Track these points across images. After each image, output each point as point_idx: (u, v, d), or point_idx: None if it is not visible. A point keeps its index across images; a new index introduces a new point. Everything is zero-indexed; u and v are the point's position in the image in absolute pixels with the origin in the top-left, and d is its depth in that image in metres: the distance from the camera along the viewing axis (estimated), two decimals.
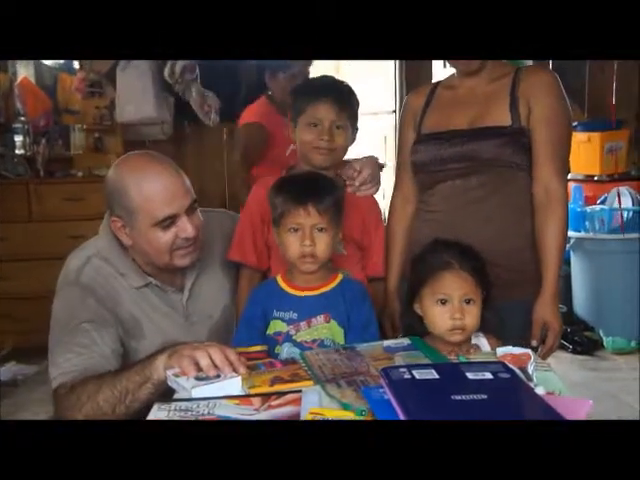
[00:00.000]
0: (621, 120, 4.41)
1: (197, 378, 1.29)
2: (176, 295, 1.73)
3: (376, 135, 4.62)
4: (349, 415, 1.15)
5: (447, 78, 1.96)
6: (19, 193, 4.06)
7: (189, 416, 1.17)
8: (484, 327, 1.55)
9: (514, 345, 1.44)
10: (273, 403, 1.21)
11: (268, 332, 1.62)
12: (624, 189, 4.08)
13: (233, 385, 1.29)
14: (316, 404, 1.21)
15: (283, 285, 1.66)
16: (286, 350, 1.58)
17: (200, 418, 1.16)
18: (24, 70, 4.37)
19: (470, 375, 1.19)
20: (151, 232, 1.58)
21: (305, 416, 1.14)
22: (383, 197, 1.98)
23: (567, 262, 4.17)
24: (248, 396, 1.25)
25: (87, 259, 1.65)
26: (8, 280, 3.98)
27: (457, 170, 1.77)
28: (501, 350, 1.43)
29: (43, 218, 4.08)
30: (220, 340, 1.48)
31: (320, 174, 1.72)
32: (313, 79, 1.96)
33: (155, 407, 1.22)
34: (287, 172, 1.92)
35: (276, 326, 1.62)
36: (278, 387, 1.29)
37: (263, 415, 1.17)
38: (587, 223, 4.10)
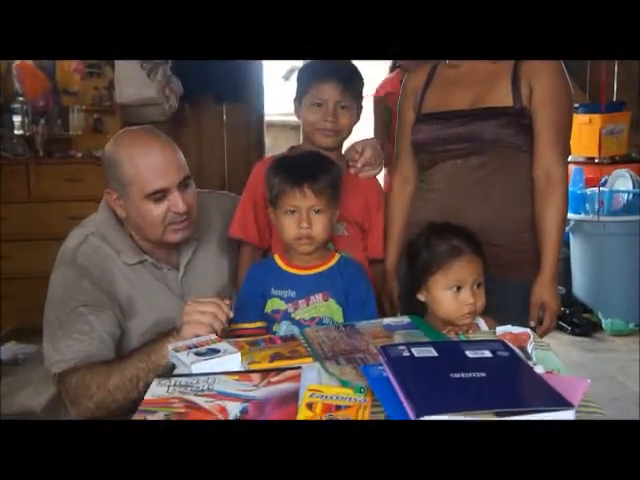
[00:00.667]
0: (622, 102, 4.39)
1: (197, 354, 1.30)
2: (171, 273, 1.74)
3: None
4: (348, 392, 1.15)
5: None
6: (18, 173, 4.05)
7: (189, 392, 1.17)
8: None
9: (513, 325, 1.45)
10: (272, 379, 1.22)
11: (266, 310, 1.63)
12: (624, 171, 4.07)
13: (233, 361, 1.29)
14: (315, 381, 1.22)
15: (281, 264, 1.67)
16: (284, 328, 1.59)
17: (199, 394, 1.17)
18: None
19: (469, 353, 1.19)
20: (143, 204, 1.60)
21: (304, 393, 1.15)
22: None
23: (566, 244, 4.17)
24: (248, 372, 1.26)
25: (85, 238, 1.67)
26: (7, 260, 3.98)
27: (458, 150, 1.76)
28: (500, 329, 1.43)
29: (42, 198, 4.08)
30: None
31: (317, 154, 1.72)
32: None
33: (155, 382, 1.22)
34: (289, 151, 1.91)
35: (274, 304, 1.63)
36: (277, 363, 1.29)
37: (262, 392, 1.18)
38: (587, 205, 4.09)
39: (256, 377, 1.23)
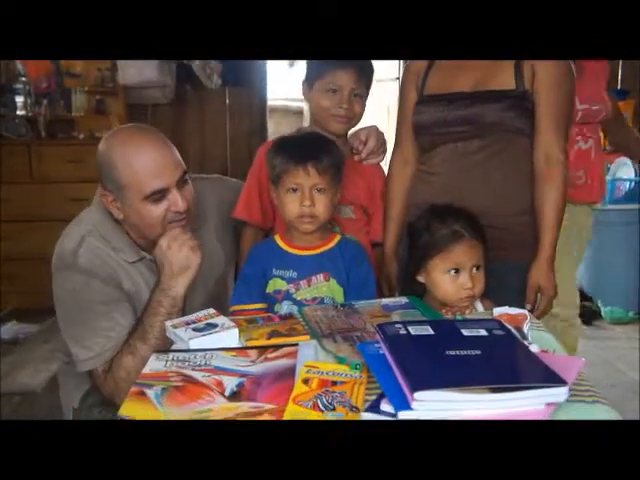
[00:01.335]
0: (626, 90, 4.37)
1: (195, 329, 1.31)
2: None
3: (379, 103, 4.59)
4: (344, 368, 1.16)
5: None
6: (20, 154, 4.05)
7: (186, 366, 1.18)
8: None
9: (510, 306, 1.45)
10: (269, 355, 1.23)
11: (268, 290, 1.64)
12: (626, 159, 4.05)
13: (230, 337, 1.30)
14: (312, 358, 1.23)
15: (282, 244, 1.67)
16: (285, 308, 1.60)
17: (197, 368, 1.17)
18: None
19: (465, 332, 1.20)
20: (141, 206, 1.57)
21: (300, 369, 1.16)
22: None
23: None
24: (245, 348, 1.27)
25: (81, 239, 1.63)
26: (9, 240, 3.99)
27: (459, 133, 1.76)
28: (497, 310, 1.44)
29: (44, 179, 4.08)
30: (215, 306, 1.48)
31: (319, 135, 1.72)
32: None
33: (153, 357, 1.23)
34: (295, 132, 1.91)
35: (276, 284, 1.63)
36: (275, 340, 1.30)
37: (259, 367, 1.18)
38: None
39: (253, 353, 1.24)
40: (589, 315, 3.99)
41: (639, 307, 3.93)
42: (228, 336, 1.30)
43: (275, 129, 5.22)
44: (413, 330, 1.20)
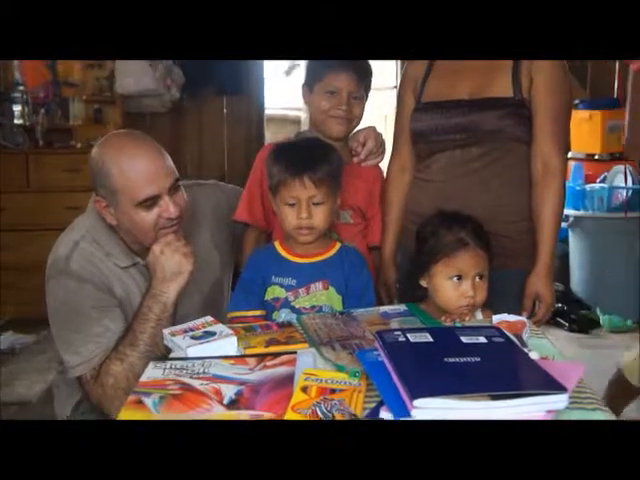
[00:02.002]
0: (624, 98, 4.38)
1: (193, 337, 1.30)
2: None
3: (377, 111, 4.60)
4: (343, 376, 1.16)
5: None
6: (17, 163, 4.04)
7: (184, 374, 1.18)
8: None
9: (509, 314, 1.45)
10: (268, 363, 1.22)
11: (266, 298, 1.63)
12: (623, 167, 4.06)
13: (229, 345, 1.29)
14: (311, 365, 1.22)
15: (282, 251, 1.66)
16: (284, 316, 1.59)
17: (195, 376, 1.17)
18: None
19: (464, 339, 1.20)
20: (134, 212, 1.57)
21: (299, 377, 1.15)
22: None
23: (565, 241, 4.17)
24: (243, 356, 1.26)
25: (75, 244, 1.63)
26: (6, 250, 3.98)
27: (457, 140, 1.75)
28: (496, 317, 1.43)
29: (41, 188, 4.07)
30: (210, 313, 1.48)
31: (318, 141, 1.71)
32: None
33: (150, 365, 1.22)
34: (294, 137, 1.91)
35: (274, 292, 1.63)
36: (273, 348, 1.30)
37: (257, 375, 1.18)
38: (586, 201, 4.09)
39: (252, 361, 1.23)
40: (587, 323, 3.98)
41: (639, 315, 3.92)
42: (226, 344, 1.30)
43: (273, 138, 5.22)
44: (412, 337, 1.20)
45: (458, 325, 1.43)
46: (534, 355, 1.22)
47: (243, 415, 1.04)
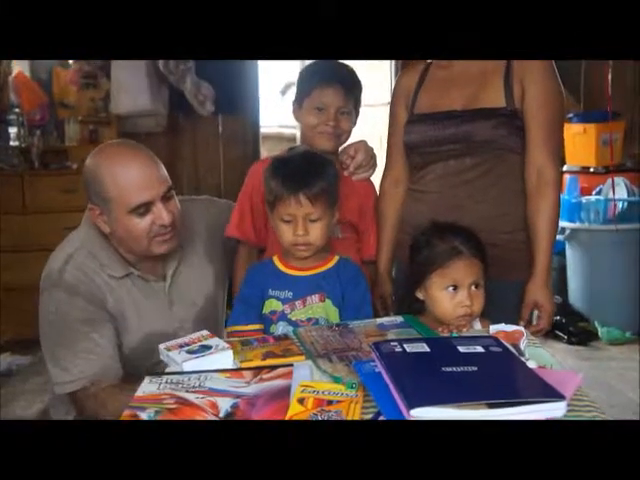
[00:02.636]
0: (617, 112, 4.41)
1: (188, 351, 1.29)
2: (158, 284, 1.72)
3: (371, 129, 4.62)
4: (339, 388, 1.15)
5: None
6: (13, 184, 4.04)
7: (180, 388, 1.17)
8: None
9: (507, 324, 1.45)
10: (264, 376, 1.21)
11: (264, 311, 1.63)
12: (619, 179, 4.08)
13: (225, 358, 1.28)
14: (307, 378, 1.21)
15: (279, 265, 1.67)
16: (281, 329, 1.59)
17: (191, 390, 1.16)
18: (19, 63, 4.35)
19: (461, 348, 1.19)
20: (127, 219, 1.58)
21: (296, 389, 1.14)
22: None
23: (562, 253, 4.17)
24: (239, 369, 1.25)
25: (69, 257, 1.64)
26: (2, 271, 3.96)
27: (450, 151, 1.76)
28: (494, 327, 1.43)
29: (37, 210, 4.07)
30: (205, 327, 1.48)
31: (314, 155, 1.71)
32: (320, 62, 1.95)
33: (146, 380, 1.21)
34: (287, 152, 1.91)
35: (271, 305, 1.63)
36: (270, 361, 1.29)
37: (254, 388, 1.17)
38: (582, 214, 4.09)
39: (248, 374, 1.23)
40: (586, 336, 3.97)
41: (638, 327, 3.91)
42: (222, 358, 1.29)
43: (268, 156, 5.23)
44: (409, 347, 1.19)
45: (455, 335, 1.42)
46: (532, 364, 1.22)
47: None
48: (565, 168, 4.25)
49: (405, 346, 1.20)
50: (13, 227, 4.01)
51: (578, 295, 4.17)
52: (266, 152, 5.05)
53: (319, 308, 1.60)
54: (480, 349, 1.19)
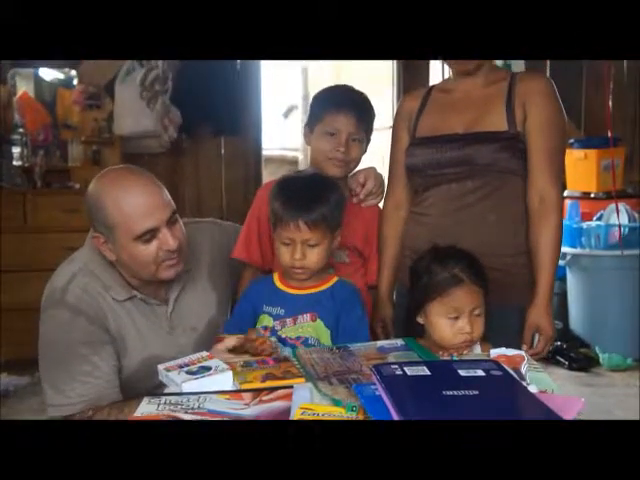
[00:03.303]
0: (617, 138, 4.43)
1: (188, 372, 1.29)
2: (160, 308, 1.71)
3: (373, 151, 4.63)
4: (339, 410, 1.14)
5: (442, 81, 1.97)
6: (15, 204, 4.05)
7: (178, 409, 1.16)
8: None
9: (507, 347, 1.44)
10: (264, 398, 1.21)
11: (257, 326, 1.64)
12: (620, 206, 4.08)
13: (224, 380, 1.28)
14: (307, 400, 1.21)
15: (277, 282, 1.68)
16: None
17: (189, 412, 1.15)
18: (24, 84, 4.38)
19: (462, 372, 1.19)
20: (133, 246, 1.56)
21: (295, 411, 1.14)
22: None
23: (563, 278, 4.17)
24: (239, 391, 1.25)
25: (72, 276, 1.62)
26: (2, 291, 3.96)
27: (453, 175, 1.76)
28: (495, 351, 1.43)
29: (39, 229, 4.07)
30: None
31: (318, 181, 1.70)
32: (334, 87, 1.97)
33: (145, 401, 1.21)
34: (295, 173, 1.92)
35: (263, 320, 1.64)
36: (270, 383, 1.28)
37: (253, 410, 1.16)
38: (583, 239, 4.10)
39: (247, 396, 1.22)
40: (587, 362, 3.95)
41: (639, 354, 3.90)
42: (222, 379, 1.28)
43: (271, 178, 5.25)
44: (409, 371, 1.19)
45: (455, 359, 1.42)
46: (532, 389, 1.21)
47: None
48: (566, 193, 4.26)
49: (406, 369, 1.19)
50: (14, 246, 4.01)
51: (579, 321, 4.16)
52: (268, 174, 5.07)
53: (309, 327, 1.61)
54: (481, 373, 1.19)
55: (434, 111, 1.84)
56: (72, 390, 1.54)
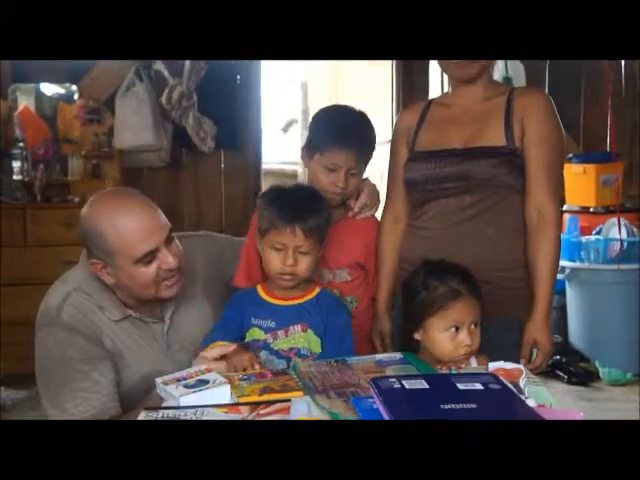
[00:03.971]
0: (616, 152, 4.45)
1: (186, 386, 1.29)
2: (157, 325, 1.71)
3: (371, 165, 4.64)
4: None
5: (441, 96, 1.99)
6: (15, 217, 4.05)
7: None
8: None
9: (506, 361, 1.44)
10: (262, 412, 1.21)
11: (247, 339, 1.64)
12: (620, 220, 4.08)
13: (222, 393, 1.28)
14: (305, 413, 1.20)
15: (262, 294, 1.68)
16: (263, 358, 1.60)
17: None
18: (25, 99, 4.40)
19: (460, 385, 1.19)
20: (133, 269, 1.56)
21: None
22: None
23: (562, 292, 4.16)
24: (237, 404, 1.24)
25: (67, 295, 1.62)
26: (2, 305, 3.95)
27: (451, 189, 1.77)
28: (493, 365, 1.43)
29: (39, 243, 4.07)
30: None
31: (312, 191, 1.73)
32: (335, 114, 1.92)
33: (142, 414, 1.20)
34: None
35: (254, 334, 1.64)
36: (268, 396, 1.28)
37: None
38: (582, 253, 4.10)
39: (245, 410, 1.22)
40: (586, 376, 3.94)
41: (639, 368, 3.89)
42: (220, 392, 1.28)
43: None
44: (407, 384, 1.19)
45: (453, 372, 1.42)
46: (531, 402, 1.21)
47: None
48: (565, 208, 4.27)
49: (404, 383, 1.19)
50: (14, 260, 4.01)
51: (578, 335, 4.15)
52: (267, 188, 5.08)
53: (301, 338, 1.62)
54: (479, 386, 1.19)
55: (433, 126, 1.85)
56: (75, 407, 1.55)
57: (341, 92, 6.30)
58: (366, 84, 5.54)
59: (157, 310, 1.71)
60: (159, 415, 1.20)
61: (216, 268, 1.87)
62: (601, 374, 3.93)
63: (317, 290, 1.69)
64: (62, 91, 4.47)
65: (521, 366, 1.41)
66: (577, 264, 4.07)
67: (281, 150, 6.39)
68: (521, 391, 1.29)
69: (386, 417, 1.10)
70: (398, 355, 1.53)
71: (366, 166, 1.89)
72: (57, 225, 4.06)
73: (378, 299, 1.90)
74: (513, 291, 1.75)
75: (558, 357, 3.95)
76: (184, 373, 1.35)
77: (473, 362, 1.53)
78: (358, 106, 1.93)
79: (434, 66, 4.13)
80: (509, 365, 1.41)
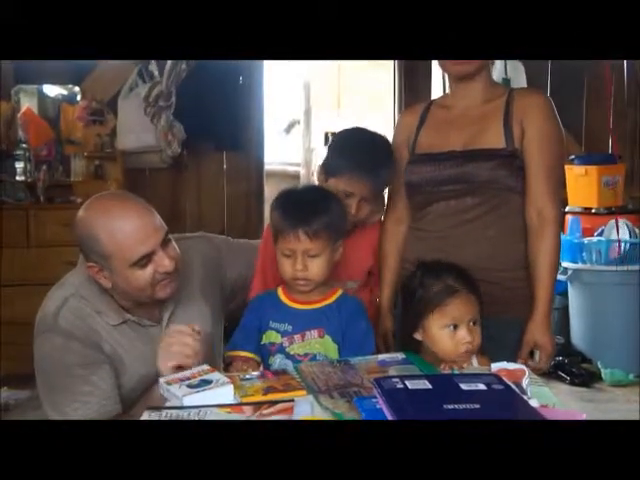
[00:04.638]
0: (618, 154, 4.45)
1: (189, 386, 1.29)
2: (155, 328, 1.70)
3: None
4: None
5: (441, 97, 1.99)
6: (19, 218, 4.06)
7: None
8: None
9: (508, 361, 1.44)
10: (265, 412, 1.21)
11: (263, 342, 1.63)
12: (621, 221, 4.08)
13: (225, 393, 1.28)
14: (308, 413, 1.21)
15: (282, 297, 1.67)
16: (278, 362, 1.59)
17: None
18: (27, 100, 4.41)
19: (463, 386, 1.19)
20: (129, 273, 1.56)
21: None
22: None
23: (564, 293, 4.16)
24: (240, 404, 1.25)
25: (64, 300, 1.62)
26: (4, 305, 3.96)
27: (451, 191, 1.77)
28: (496, 365, 1.43)
29: (42, 243, 4.08)
30: None
31: (319, 191, 1.72)
32: (355, 140, 1.87)
33: (145, 414, 1.21)
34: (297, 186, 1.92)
35: (270, 337, 1.63)
36: (271, 396, 1.29)
37: None
38: (584, 254, 4.10)
39: (248, 410, 1.22)
40: (589, 377, 3.94)
41: None
42: (223, 392, 1.28)
43: (273, 193, 5.24)
44: (410, 384, 1.19)
45: (456, 372, 1.42)
46: (534, 403, 1.21)
47: None
48: (567, 209, 4.27)
49: (407, 383, 1.20)
50: (17, 261, 4.02)
51: (580, 336, 4.15)
52: (270, 189, 5.08)
53: (317, 344, 1.60)
54: (482, 387, 1.19)
55: (433, 128, 1.85)
56: (74, 411, 1.55)
57: (343, 93, 6.30)
58: (368, 85, 5.53)
59: (155, 313, 1.71)
60: (162, 415, 1.20)
61: (213, 269, 1.87)
62: (603, 375, 3.92)
63: (338, 294, 1.66)
64: (65, 92, 4.48)
65: (524, 367, 1.41)
66: (579, 265, 4.07)
67: (283, 151, 6.39)
68: (524, 391, 1.29)
69: (389, 417, 1.10)
70: (401, 355, 1.54)
71: (382, 193, 1.90)
72: (60, 226, 4.06)
73: (381, 299, 1.92)
74: (515, 291, 1.75)
75: (560, 358, 3.94)
76: (187, 373, 1.36)
77: (475, 362, 1.53)
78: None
79: (436, 67, 4.14)
80: (512, 365, 1.42)
